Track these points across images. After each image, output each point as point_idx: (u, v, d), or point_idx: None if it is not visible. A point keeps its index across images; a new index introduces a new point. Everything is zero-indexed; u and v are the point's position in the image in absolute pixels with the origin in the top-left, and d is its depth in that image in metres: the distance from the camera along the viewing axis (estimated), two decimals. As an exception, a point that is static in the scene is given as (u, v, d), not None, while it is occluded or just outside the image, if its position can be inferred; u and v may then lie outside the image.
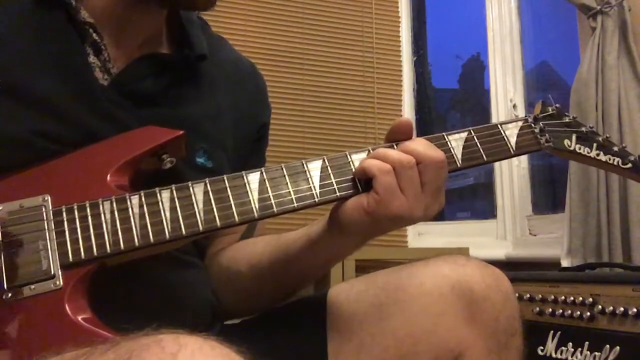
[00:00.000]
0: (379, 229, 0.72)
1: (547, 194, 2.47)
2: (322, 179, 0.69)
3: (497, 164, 2.40)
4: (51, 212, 0.62)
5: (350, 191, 0.69)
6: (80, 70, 0.72)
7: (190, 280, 0.79)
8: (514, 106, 2.44)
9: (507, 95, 2.47)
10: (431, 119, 3.04)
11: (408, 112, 2.62)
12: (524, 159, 2.36)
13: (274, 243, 0.80)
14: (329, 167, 0.70)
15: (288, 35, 2.48)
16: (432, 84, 3.08)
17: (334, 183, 0.69)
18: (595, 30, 1.87)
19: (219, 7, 0.78)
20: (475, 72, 3.21)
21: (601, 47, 1.84)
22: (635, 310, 1.17)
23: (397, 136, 0.72)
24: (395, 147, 0.71)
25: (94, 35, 0.73)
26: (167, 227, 0.63)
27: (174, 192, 0.65)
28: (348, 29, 2.56)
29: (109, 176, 0.66)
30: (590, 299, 1.27)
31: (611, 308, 1.22)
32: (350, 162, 0.71)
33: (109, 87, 0.73)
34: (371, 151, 0.71)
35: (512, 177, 2.40)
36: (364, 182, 0.70)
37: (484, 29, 2.57)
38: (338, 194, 0.69)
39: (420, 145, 0.70)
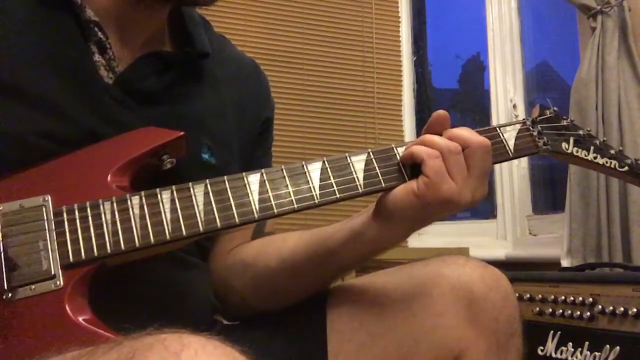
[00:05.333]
0: (426, 216, 0.72)
1: (547, 194, 2.47)
2: (321, 179, 0.69)
3: (496, 164, 2.40)
4: (51, 212, 0.62)
5: (395, 182, 0.71)
6: (85, 69, 0.72)
7: (192, 280, 0.79)
8: (514, 106, 2.44)
9: (507, 96, 2.47)
10: (431, 119, 3.03)
11: (408, 112, 2.62)
12: (524, 159, 2.37)
13: (308, 237, 0.79)
14: (328, 169, 0.70)
15: (288, 35, 2.48)
16: (432, 84, 3.08)
17: (333, 184, 0.69)
18: (595, 30, 1.87)
19: (219, 7, 0.79)
20: (475, 72, 3.22)
21: (601, 47, 1.85)
22: (635, 310, 1.17)
23: (435, 128, 0.73)
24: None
25: (99, 33, 0.73)
26: (168, 227, 0.63)
27: (175, 192, 0.65)
28: (348, 29, 2.56)
29: (109, 177, 0.66)
30: (590, 299, 1.27)
31: (611, 308, 1.22)
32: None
33: (114, 86, 0.73)
34: (371, 153, 0.72)
35: (512, 177, 2.40)
36: (410, 171, 0.71)
37: (484, 29, 2.57)
38: (384, 184, 0.70)
39: (464, 131, 0.71)
